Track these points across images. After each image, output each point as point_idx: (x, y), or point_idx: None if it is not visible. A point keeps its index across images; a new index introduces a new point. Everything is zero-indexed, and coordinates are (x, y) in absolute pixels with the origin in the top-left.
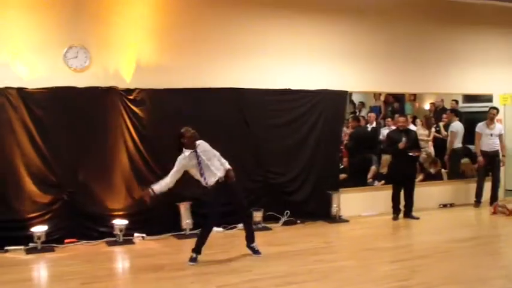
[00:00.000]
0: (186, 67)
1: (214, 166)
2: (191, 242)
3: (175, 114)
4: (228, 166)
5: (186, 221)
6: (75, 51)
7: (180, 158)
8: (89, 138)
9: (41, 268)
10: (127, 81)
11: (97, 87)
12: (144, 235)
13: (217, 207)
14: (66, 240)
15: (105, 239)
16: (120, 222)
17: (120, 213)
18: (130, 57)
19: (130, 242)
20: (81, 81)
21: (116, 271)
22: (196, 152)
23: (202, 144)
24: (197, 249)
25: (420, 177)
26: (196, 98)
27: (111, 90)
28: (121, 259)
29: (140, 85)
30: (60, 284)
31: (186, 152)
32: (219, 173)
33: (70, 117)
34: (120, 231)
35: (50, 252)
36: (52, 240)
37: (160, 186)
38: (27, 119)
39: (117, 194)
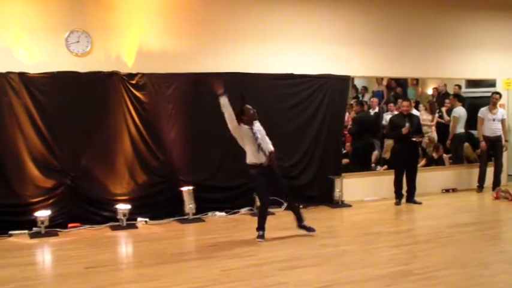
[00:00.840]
0: (188, 52)
1: (267, 143)
2: (194, 227)
3: (178, 99)
4: (271, 148)
5: (189, 206)
6: (77, 36)
7: (234, 125)
8: (91, 123)
9: (44, 252)
10: (129, 66)
11: (99, 72)
12: (147, 219)
13: (263, 188)
14: (69, 225)
15: (108, 224)
16: (123, 207)
17: (123, 197)
18: (132, 41)
19: (134, 226)
20: (83, 66)
21: (119, 255)
22: (252, 128)
23: (256, 124)
24: (260, 227)
25: (423, 162)
26: (199, 83)
27: (113, 75)
28: (124, 243)
29: (142, 70)
30: (63, 268)
31: (244, 127)
32: (269, 147)
33: (72, 102)
34: (124, 215)
35: (54, 237)
36: (56, 225)
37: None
38: (29, 103)
39: (120, 179)
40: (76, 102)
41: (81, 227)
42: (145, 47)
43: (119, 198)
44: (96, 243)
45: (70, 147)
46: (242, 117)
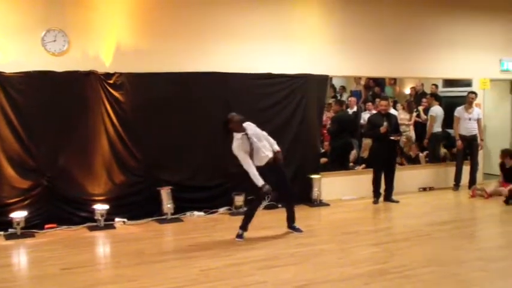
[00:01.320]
0: (166, 51)
1: (265, 147)
2: (172, 227)
3: (156, 99)
4: (276, 147)
5: (167, 206)
6: (54, 35)
7: (235, 146)
8: (68, 122)
9: (20, 254)
10: (106, 65)
11: (76, 71)
12: (125, 220)
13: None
14: (46, 226)
15: (86, 224)
16: (101, 207)
17: (101, 198)
18: (110, 41)
19: (112, 226)
20: (59, 65)
21: (96, 256)
22: (247, 134)
23: (249, 127)
24: (244, 227)
25: (400, 160)
26: (178, 83)
27: (90, 75)
28: (102, 244)
29: (120, 69)
30: (40, 270)
31: (238, 135)
32: (270, 154)
33: (49, 102)
34: (101, 216)
35: (30, 238)
36: (32, 226)
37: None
38: (5, 103)
39: (98, 179)
40: (53, 102)
41: (58, 228)
42: (123, 46)
43: (97, 198)
44: (73, 244)
45: (47, 147)
46: (230, 126)
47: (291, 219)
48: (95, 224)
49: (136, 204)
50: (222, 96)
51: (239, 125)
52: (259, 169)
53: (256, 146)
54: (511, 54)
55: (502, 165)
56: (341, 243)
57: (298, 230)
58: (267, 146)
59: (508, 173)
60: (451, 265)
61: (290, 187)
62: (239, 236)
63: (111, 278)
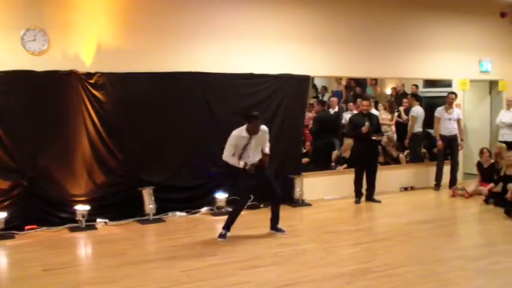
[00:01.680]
0: (147, 51)
1: (254, 156)
2: (154, 227)
3: (137, 99)
4: (266, 151)
5: (149, 206)
6: (33, 34)
7: (235, 136)
8: (48, 123)
9: (0, 255)
10: (87, 65)
11: (56, 71)
12: (106, 220)
13: (248, 189)
14: (26, 227)
15: (67, 225)
16: (82, 208)
17: (82, 198)
18: (90, 40)
19: (93, 227)
20: (39, 64)
21: (78, 257)
22: (250, 138)
23: (262, 133)
24: (227, 226)
25: (383, 160)
26: (159, 82)
27: (71, 74)
28: (83, 245)
29: (101, 69)
30: (20, 271)
31: (244, 133)
32: (254, 159)
33: (29, 102)
34: (82, 216)
35: (10, 239)
36: (12, 227)
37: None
38: None
39: (79, 179)
40: (33, 102)
41: (38, 229)
42: (104, 46)
43: (78, 199)
44: (54, 245)
45: (27, 147)
46: (252, 122)
47: (274, 221)
48: (76, 225)
49: (117, 204)
50: (203, 97)
51: (257, 128)
52: (243, 171)
53: (250, 148)
54: (490, 55)
55: (479, 165)
56: (323, 243)
57: (280, 231)
58: (257, 155)
59: (485, 173)
60: (432, 264)
61: (275, 188)
62: (222, 235)
63: (93, 279)
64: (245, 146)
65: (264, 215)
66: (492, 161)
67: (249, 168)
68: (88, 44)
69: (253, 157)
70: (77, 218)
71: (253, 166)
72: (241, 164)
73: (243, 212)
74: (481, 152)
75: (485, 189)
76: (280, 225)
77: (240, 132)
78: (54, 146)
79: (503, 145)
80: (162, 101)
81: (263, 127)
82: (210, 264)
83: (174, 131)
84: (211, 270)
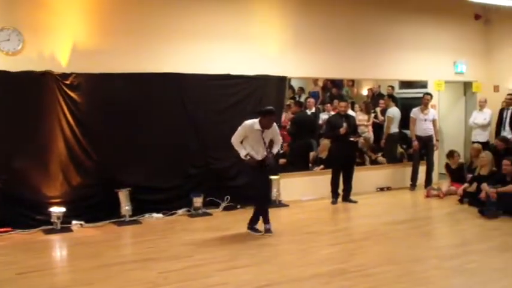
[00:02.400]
0: (124, 51)
1: (259, 151)
2: (131, 229)
3: (113, 99)
4: (274, 150)
5: (126, 208)
6: (7, 34)
7: (245, 127)
8: (23, 124)
9: None
10: (63, 66)
11: (31, 72)
12: (82, 222)
13: (258, 183)
14: (0, 230)
15: (41, 227)
16: (57, 210)
17: (58, 200)
18: (66, 40)
19: (69, 229)
20: (14, 65)
21: (53, 260)
22: (262, 132)
23: (273, 129)
24: (260, 221)
25: (362, 160)
26: (136, 83)
27: (46, 75)
28: (58, 247)
29: (77, 69)
30: None
31: (257, 126)
32: (258, 157)
33: (3, 103)
34: (58, 218)
35: None
36: None
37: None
38: None
39: (54, 181)
40: (7, 103)
41: (12, 232)
42: (79, 46)
43: (53, 200)
44: (29, 248)
45: (1, 148)
46: (267, 117)
47: (254, 221)
48: (51, 227)
49: (93, 206)
50: (179, 97)
51: (270, 122)
52: (249, 167)
53: (259, 146)
54: (464, 57)
55: (448, 166)
56: (301, 243)
57: (257, 231)
58: (261, 151)
59: (454, 173)
60: (408, 263)
61: (267, 190)
62: (267, 230)
63: (68, 282)
64: (258, 140)
65: (239, 215)
66: (461, 161)
67: (249, 160)
68: (64, 44)
69: (262, 153)
70: (52, 220)
71: (255, 160)
72: (243, 154)
73: (219, 213)
74: (451, 155)
75: (459, 189)
76: (257, 226)
77: (253, 124)
78: (28, 147)
79: (479, 146)
80: (138, 102)
81: (275, 125)
82: (187, 266)
83: (151, 132)
84: (188, 272)
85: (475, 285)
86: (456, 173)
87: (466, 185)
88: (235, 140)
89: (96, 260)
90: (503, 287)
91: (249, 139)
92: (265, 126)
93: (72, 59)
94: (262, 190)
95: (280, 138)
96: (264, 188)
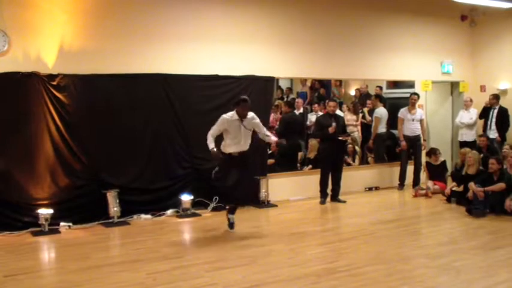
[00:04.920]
0: (112, 52)
1: (248, 141)
2: (119, 230)
3: (101, 101)
4: (272, 139)
5: (114, 209)
6: None
7: (224, 118)
8: (9, 125)
9: None
10: (49, 67)
11: (17, 73)
12: (70, 224)
13: (225, 173)
14: None
15: (29, 229)
16: (45, 212)
17: (45, 202)
18: (53, 41)
19: (57, 231)
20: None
21: (41, 262)
22: (242, 121)
23: (252, 118)
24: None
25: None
26: (122, 84)
27: (32, 76)
28: (46, 249)
29: (64, 70)
30: None
31: (234, 116)
32: (246, 145)
33: None
34: (46, 220)
35: None
36: None
37: (211, 142)
38: None
39: (42, 182)
40: None
41: (0, 234)
42: (67, 47)
43: (41, 202)
44: (16, 250)
45: None
46: (241, 106)
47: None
48: (39, 229)
49: (81, 207)
50: (167, 98)
51: (245, 109)
52: (223, 160)
53: (240, 136)
54: (451, 57)
55: (428, 164)
56: (289, 243)
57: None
58: (248, 141)
59: (434, 171)
60: (397, 262)
61: (233, 185)
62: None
63: (56, 284)
64: (238, 130)
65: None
66: (442, 159)
67: (214, 153)
68: (50, 44)
69: (245, 142)
70: (39, 222)
71: (219, 153)
72: (210, 146)
73: (207, 214)
74: (433, 153)
75: (447, 188)
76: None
77: (231, 116)
78: (16, 149)
79: (467, 149)
80: (126, 103)
81: (251, 112)
82: (175, 267)
83: (139, 133)
84: (177, 273)
85: (462, 283)
86: (436, 171)
87: (453, 184)
88: (210, 133)
89: (84, 262)
90: (490, 285)
91: (230, 131)
92: (241, 114)
93: (59, 60)
94: (227, 184)
95: (263, 127)
96: (230, 182)
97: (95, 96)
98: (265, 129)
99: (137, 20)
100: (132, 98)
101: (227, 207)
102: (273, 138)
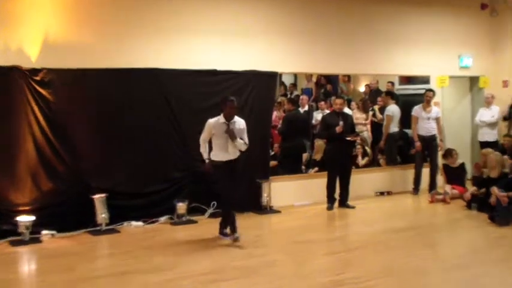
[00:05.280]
0: (101, 45)
1: (228, 150)
2: (108, 239)
3: (89, 98)
4: (242, 148)
5: (102, 215)
6: None
7: (210, 122)
8: None
9: None
10: (32, 61)
11: None
12: (54, 232)
13: (225, 184)
14: None
15: (8, 239)
16: (25, 219)
17: (26, 208)
18: (36, 33)
19: (38, 240)
20: None
21: (20, 275)
22: (229, 124)
23: (239, 121)
24: (223, 227)
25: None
26: (113, 80)
27: (13, 70)
28: (27, 260)
29: (48, 65)
30: None
31: (221, 119)
32: (235, 153)
33: None
34: (26, 228)
35: None
36: None
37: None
38: None
39: (22, 186)
40: None
41: None
42: (51, 39)
43: (21, 208)
44: None
45: None
46: (227, 107)
47: (223, 226)
48: (18, 237)
49: (66, 214)
50: (161, 95)
51: (232, 110)
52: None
53: (228, 142)
54: (470, 50)
55: (446, 167)
56: (293, 253)
57: (226, 235)
58: (230, 149)
59: (453, 174)
60: (410, 275)
61: (230, 194)
62: (223, 234)
63: None
64: (225, 135)
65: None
66: (460, 161)
67: (206, 167)
68: (33, 37)
69: (234, 150)
70: (19, 230)
71: (211, 164)
72: (204, 156)
73: (204, 220)
74: (450, 154)
75: (467, 193)
76: (228, 231)
77: (217, 119)
78: None
79: (489, 150)
80: (116, 100)
81: (239, 119)
82: (168, 279)
83: (131, 132)
84: (169, 286)
85: None
86: (454, 174)
87: (474, 188)
88: (201, 139)
89: (68, 274)
90: None
91: (216, 136)
92: (228, 116)
93: (43, 53)
94: (225, 195)
95: (247, 140)
96: (227, 192)
97: (82, 93)
98: (246, 138)
99: (130, 10)
100: (124, 94)
101: (223, 220)
102: (244, 147)
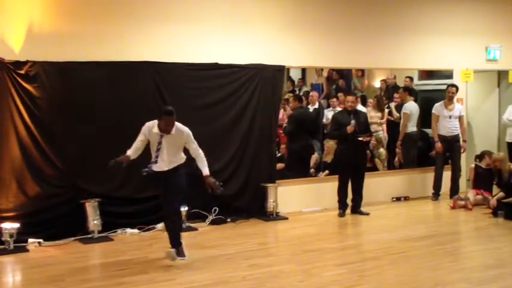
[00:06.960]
0: (92, 35)
1: (174, 159)
2: (100, 247)
3: (79, 93)
4: (205, 171)
5: (94, 222)
6: None
7: (146, 125)
8: None
9: None
10: (16, 52)
11: None
12: (40, 240)
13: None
14: None
15: None
16: (9, 226)
17: (10, 214)
18: (20, 22)
19: (24, 249)
20: None
21: (3, 286)
22: (162, 136)
23: (180, 133)
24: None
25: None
26: (106, 74)
27: None
28: (11, 271)
29: (33, 57)
30: None
31: (155, 129)
32: (169, 164)
33: None
34: (10, 236)
35: None
36: None
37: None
38: None
39: (6, 191)
40: None
41: None
42: (37, 30)
43: (5, 214)
44: None
45: None
46: (162, 119)
47: (172, 242)
48: (2, 246)
49: (55, 221)
50: (158, 91)
51: (168, 126)
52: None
53: (162, 151)
54: (498, 41)
55: (477, 168)
56: (302, 263)
57: (180, 255)
58: (174, 160)
59: (482, 177)
60: None
61: (169, 207)
62: (178, 253)
63: None
64: (158, 145)
65: (229, 230)
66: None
67: (110, 163)
68: (17, 26)
69: (169, 160)
70: (3, 239)
71: (116, 162)
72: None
73: (206, 228)
74: (482, 157)
75: (493, 199)
76: (183, 248)
77: (152, 126)
78: None
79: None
80: (108, 96)
81: (183, 128)
82: None
83: (124, 132)
84: None
85: None
86: (485, 176)
87: (500, 194)
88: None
89: (56, 286)
90: None
91: (151, 144)
92: (163, 129)
93: (28, 44)
94: (164, 207)
95: (200, 150)
96: (165, 204)
97: (71, 88)
98: (202, 155)
99: None
100: (116, 90)
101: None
102: (207, 171)
